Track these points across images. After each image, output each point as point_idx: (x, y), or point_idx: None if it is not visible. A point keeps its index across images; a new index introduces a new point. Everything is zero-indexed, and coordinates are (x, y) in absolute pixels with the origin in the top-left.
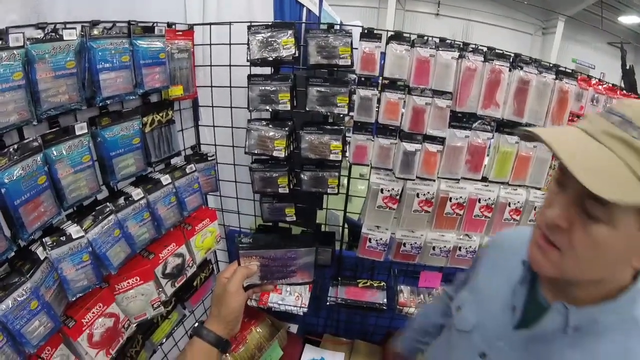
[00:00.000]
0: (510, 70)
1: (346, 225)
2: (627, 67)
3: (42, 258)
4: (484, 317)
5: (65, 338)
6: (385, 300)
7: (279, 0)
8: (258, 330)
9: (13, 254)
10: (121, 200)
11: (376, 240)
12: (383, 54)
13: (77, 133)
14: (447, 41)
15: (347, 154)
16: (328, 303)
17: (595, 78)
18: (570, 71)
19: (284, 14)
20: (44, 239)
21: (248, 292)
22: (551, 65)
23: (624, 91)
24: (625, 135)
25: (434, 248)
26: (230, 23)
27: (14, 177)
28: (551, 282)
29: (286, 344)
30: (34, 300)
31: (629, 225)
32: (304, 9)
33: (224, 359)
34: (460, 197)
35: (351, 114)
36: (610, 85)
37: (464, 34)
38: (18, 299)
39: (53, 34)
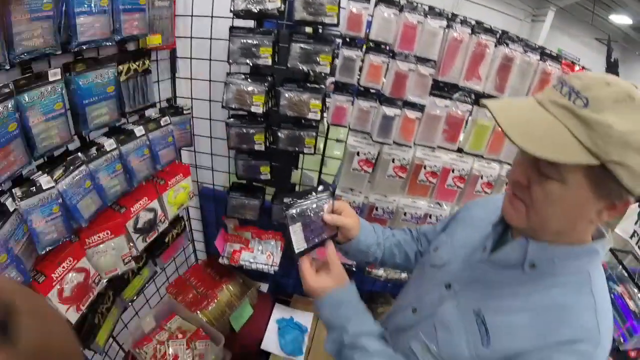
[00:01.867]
0: (496, 46)
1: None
2: (612, 60)
3: (11, 210)
4: (455, 255)
5: None
6: (354, 262)
7: None
8: (229, 287)
9: None
10: (93, 151)
11: (349, 203)
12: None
13: (51, 79)
14: (436, 9)
15: (325, 115)
16: (298, 262)
17: (579, 65)
18: (555, 55)
19: None
20: (13, 190)
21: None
22: (537, 46)
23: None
24: (567, 103)
25: (405, 214)
26: None
27: None
28: (521, 231)
29: (257, 303)
30: (3, 254)
31: (578, 182)
32: None
33: (195, 315)
34: (435, 165)
35: (333, 78)
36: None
37: (453, 8)
38: None
39: None
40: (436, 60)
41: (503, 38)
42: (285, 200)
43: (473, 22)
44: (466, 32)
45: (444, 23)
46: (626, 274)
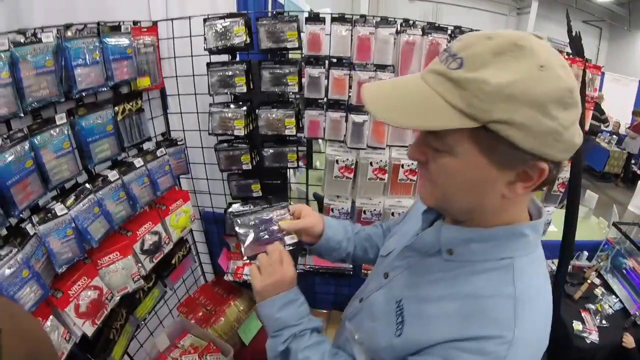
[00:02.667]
0: (449, 41)
1: (314, 199)
2: (574, 34)
3: (31, 234)
4: (398, 245)
5: (54, 310)
6: (351, 265)
7: None
8: (236, 303)
9: (5, 230)
10: (99, 182)
11: (338, 210)
12: None
13: (58, 123)
14: (387, 19)
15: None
16: (297, 271)
17: (567, 51)
18: None
19: (248, 5)
20: (32, 217)
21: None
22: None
23: (571, 56)
24: (441, 68)
25: (392, 214)
26: (189, 17)
27: (6, 161)
28: (445, 213)
29: None
30: (25, 270)
31: (467, 151)
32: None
33: (205, 331)
34: (412, 163)
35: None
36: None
37: (434, 15)
38: (12, 267)
39: (33, 37)
40: (393, 64)
41: (455, 33)
42: (234, 210)
43: (424, 24)
44: (417, 35)
45: (393, 30)
46: (635, 248)
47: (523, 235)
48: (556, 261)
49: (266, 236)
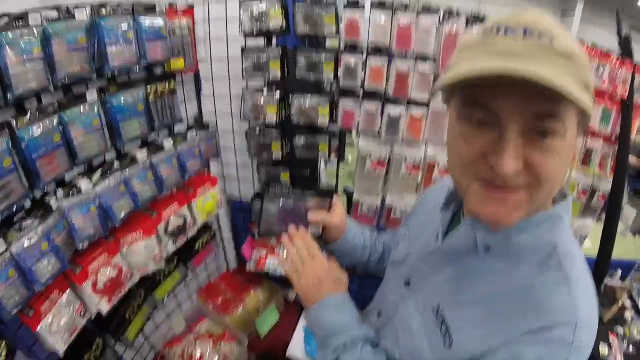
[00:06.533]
0: None
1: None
2: (624, 35)
3: (54, 208)
4: (413, 248)
5: (72, 284)
6: None
7: None
8: (257, 293)
9: (29, 201)
10: (127, 161)
11: (367, 206)
12: None
13: (89, 100)
14: (429, 7)
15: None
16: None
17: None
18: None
19: None
20: (57, 191)
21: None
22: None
23: (619, 59)
24: (543, 43)
25: None
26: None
27: (33, 134)
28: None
29: (284, 311)
30: (45, 242)
31: (573, 126)
32: None
33: (223, 318)
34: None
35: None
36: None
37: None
38: (31, 239)
39: (67, 14)
40: (435, 56)
41: None
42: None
43: (467, 14)
44: (461, 25)
45: (436, 19)
46: None
47: (559, 218)
48: None
49: (289, 217)
